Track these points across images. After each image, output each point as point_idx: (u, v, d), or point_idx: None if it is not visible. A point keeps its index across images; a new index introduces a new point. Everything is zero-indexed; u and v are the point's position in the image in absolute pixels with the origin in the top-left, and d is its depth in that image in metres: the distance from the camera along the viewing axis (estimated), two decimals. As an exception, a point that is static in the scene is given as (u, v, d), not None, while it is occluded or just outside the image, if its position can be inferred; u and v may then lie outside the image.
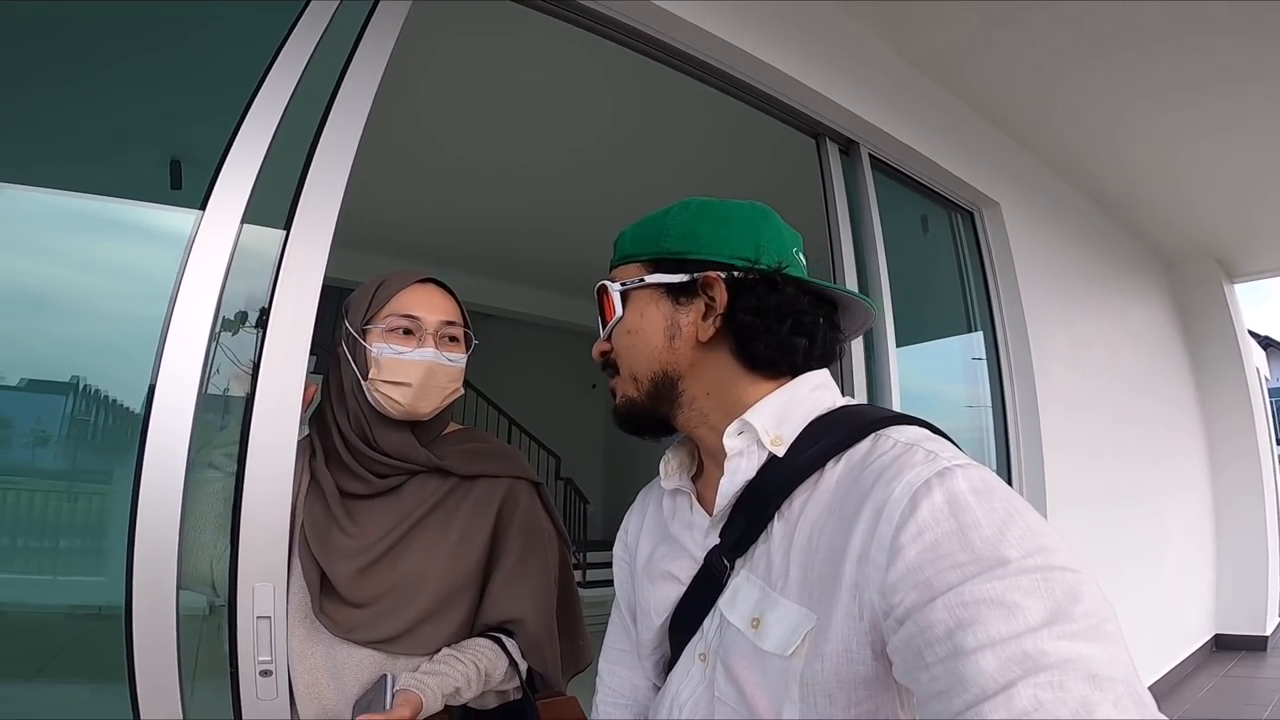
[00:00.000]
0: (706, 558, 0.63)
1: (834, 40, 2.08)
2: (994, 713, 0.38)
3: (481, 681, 0.97)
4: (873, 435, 0.57)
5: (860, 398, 1.93)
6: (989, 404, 2.67)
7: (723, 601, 0.61)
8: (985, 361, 2.70)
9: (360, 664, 0.97)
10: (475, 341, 1.09)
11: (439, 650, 0.98)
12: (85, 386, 1.10)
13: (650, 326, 0.65)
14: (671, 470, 0.71)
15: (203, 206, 1.10)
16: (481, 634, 1.03)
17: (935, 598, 0.44)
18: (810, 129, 2.11)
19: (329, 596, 0.98)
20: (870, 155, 2.19)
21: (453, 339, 1.05)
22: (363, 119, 1.26)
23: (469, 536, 1.04)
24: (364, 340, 1.00)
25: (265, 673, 1.01)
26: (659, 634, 0.69)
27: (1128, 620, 0.47)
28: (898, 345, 2.11)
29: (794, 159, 2.19)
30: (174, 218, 1.14)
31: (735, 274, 0.63)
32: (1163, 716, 0.39)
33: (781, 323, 0.62)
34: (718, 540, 0.63)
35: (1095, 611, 0.41)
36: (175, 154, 3.07)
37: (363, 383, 1.00)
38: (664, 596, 0.67)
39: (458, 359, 1.05)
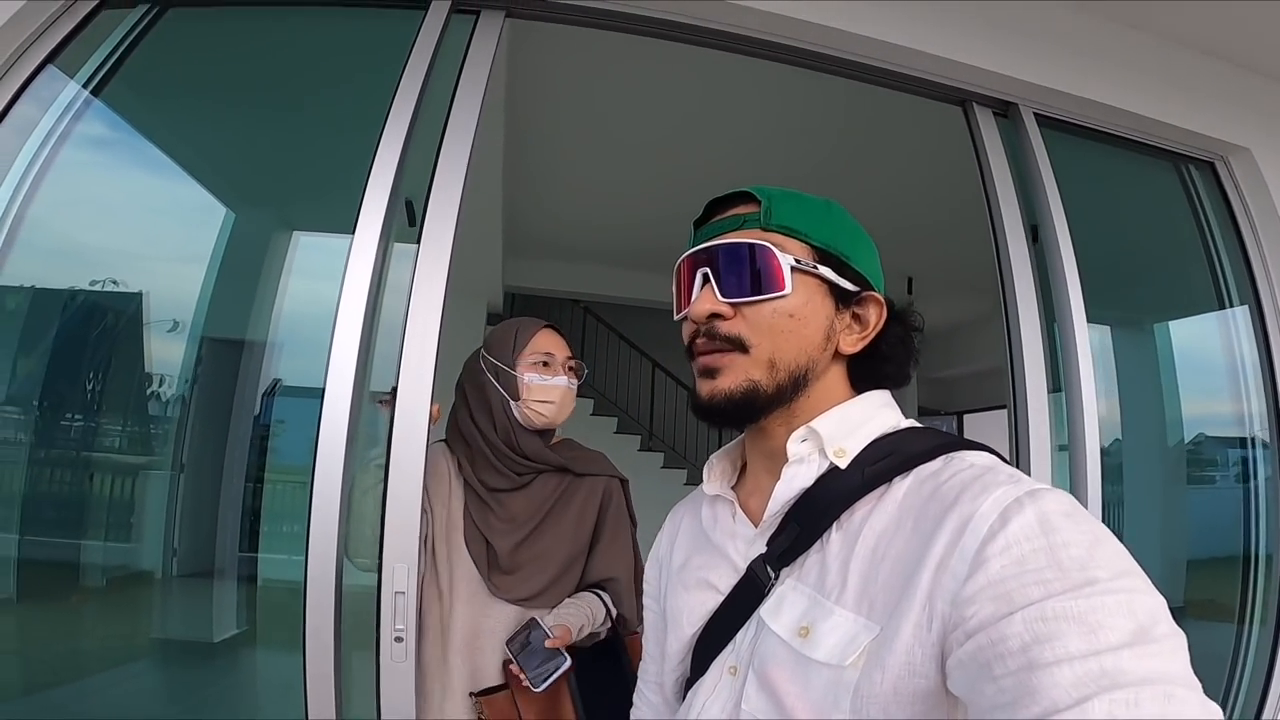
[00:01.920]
0: (749, 566, 0.63)
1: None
2: None
3: (592, 622, 1.32)
4: (945, 456, 0.58)
5: (1036, 393, 1.68)
6: (1255, 393, 2.12)
7: (765, 610, 0.60)
8: (1249, 340, 2.15)
9: (507, 617, 1.29)
10: (586, 371, 1.44)
11: (560, 602, 1.33)
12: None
13: (814, 318, 0.62)
14: (715, 477, 0.71)
15: (352, 230, 1.36)
16: (585, 589, 1.39)
17: (1014, 611, 0.44)
18: (955, 96, 1.92)
19: (493, 567, 1.30)
20: (1036, 115, 1.91)
21: (572, 369, 1.40)
22: (469, 140, 1.49)
23: (582, 520, 1.39)
24: (514, 370, 1.34)
25: (399, 639, 1.23)
26: (687, 646, 0.68)
27: None
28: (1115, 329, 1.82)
29: (937, 128, 2.01)
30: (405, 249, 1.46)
31: (889, 300, 0.66)
32: None
33: (908, 355, 0.67)
34: (764, 549, 0.62)
35: (1175, 634, 0.42)
36: (408, 195, 3.67)
37: (512, 403, 1.34)
38: (699, 605, 0.66)
39: (574, 384, 1.41)
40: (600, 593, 1.38)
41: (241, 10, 1.70)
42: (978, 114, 1.88)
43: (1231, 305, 2.15)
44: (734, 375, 0.61)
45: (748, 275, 0.61)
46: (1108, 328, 1.98)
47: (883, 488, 0.58)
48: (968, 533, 0.49)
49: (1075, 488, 1.66)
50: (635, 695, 0.80)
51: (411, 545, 1.26)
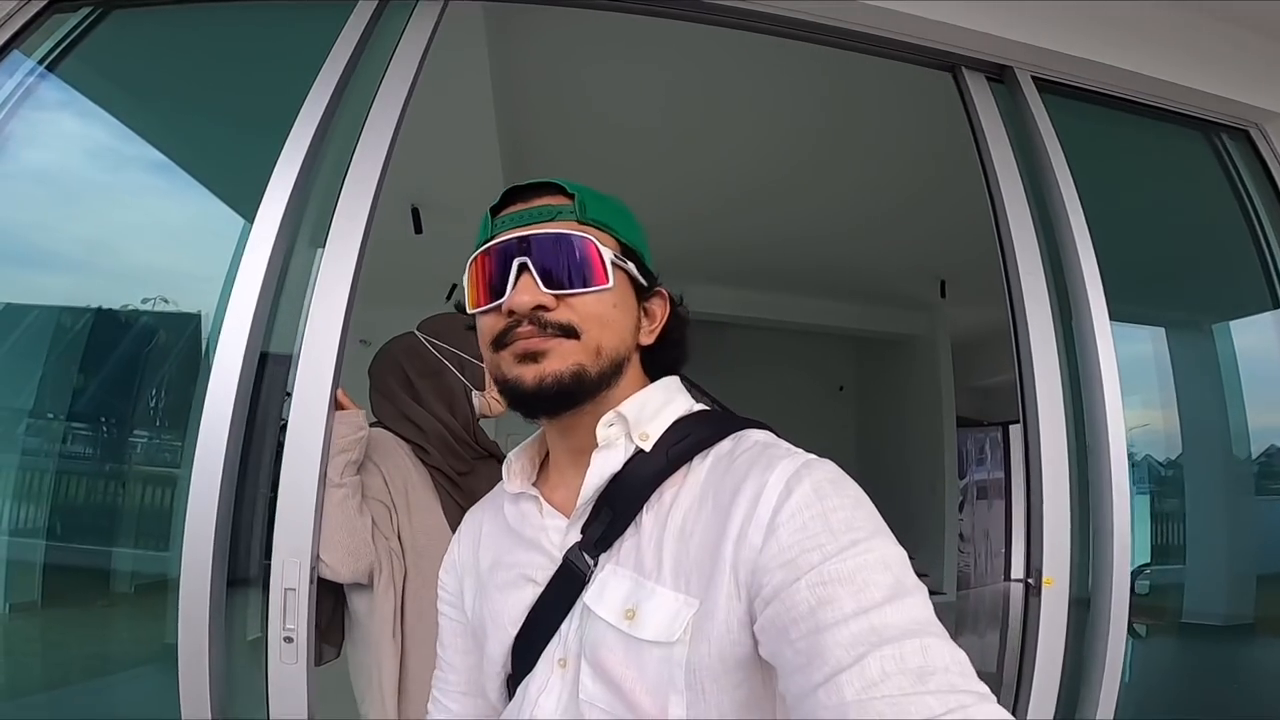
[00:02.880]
0: (565, 556, 0.63)
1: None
2: (849, 683, 0.43)
3: None
4: (734, 436, 0.63)
5: (1053, 394, 1.49)
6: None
7: (589, 597, 0.60)
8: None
9: None
10: None
11: None
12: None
13: (627, 309, 0.66)
14: (515, 474, 0.71)
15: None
16: None
17: (800, 577, 0.48)
18: (944, 61, 1.75)
19: None
20: (1035, 79, 1.72)
21: None
22: (389, 135, 1.38)
23: None
24: (482, 363, 1.26)
25: (288, 639, 1.13)
26: (509, 644, 0.66)
27: None
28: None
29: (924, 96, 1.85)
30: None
31: (672, 296, 0.71)
32: (982, 685, 0.43)
33: (685, 343, 0.72)
34: (578, 538, 0.63)
35: (919, 585, 0.49)
36: (414, 201, 3.64)
37: (474, 392, 1.39)
38: (518, 601, 0.66)
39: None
40: None
41: (185, 10, 1.68)
42: (969, 79, 1.72)
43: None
44: (562, 359, 0.60)
45: (572, 267, 0.61)
46: (1148, 326, 1.78)
47: (685, 468, 0.62)
48: (760, 504, 0.53)
49: (1096, 503, 1.46)
50: (430, 704, 0.78)
51: (305, 542, 1.16)
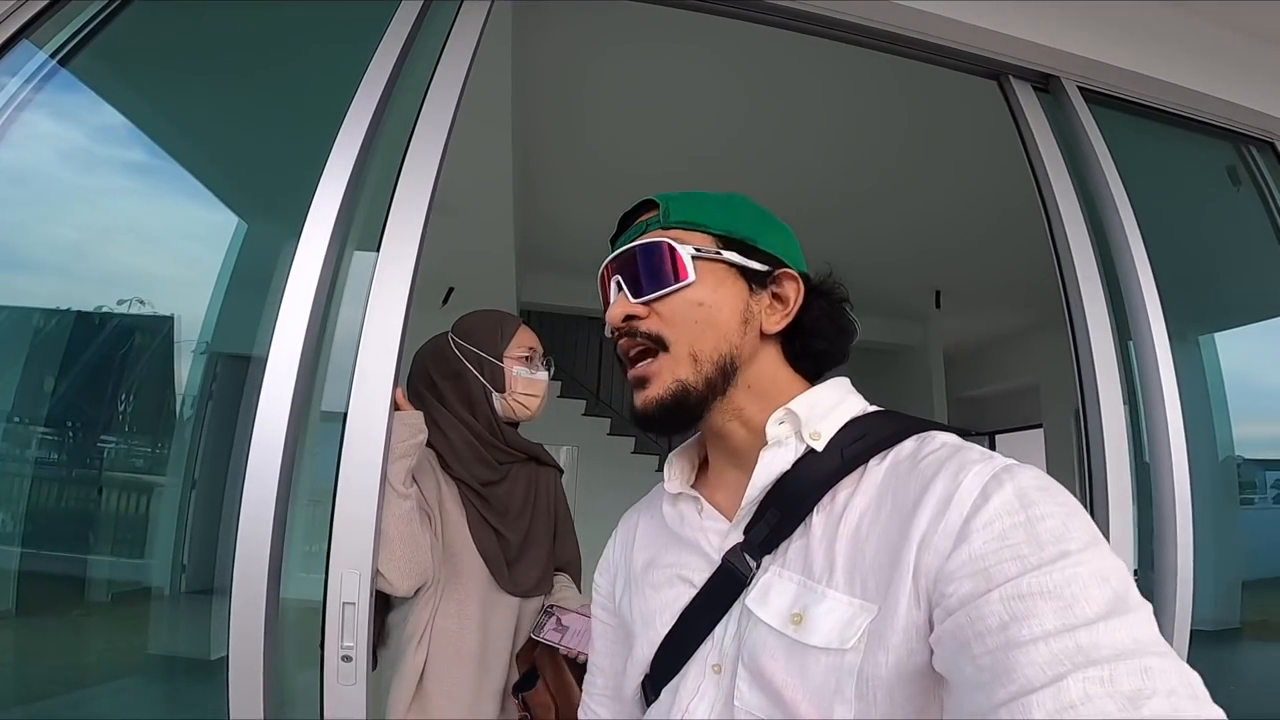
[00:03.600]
0: (725, 558, 0.61)
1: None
2: (1039, 704, 0.38)
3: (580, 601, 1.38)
4: (917, 436, 0.59)
5: (1114, 404, 1.46)
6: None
7: (751, 600, 0.57)
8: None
9: (511, 611, 1.29)
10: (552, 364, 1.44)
11: (551, 588, 1.40)
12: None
13: (726, 304, 0.63)
14: (675, 475, 0.70)
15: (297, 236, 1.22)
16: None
17: (992, 589, 0.44)
18: (990, 69, 1.75)
19: (505, 562, 1.28)
20: (1081, 89, 1.73)
21: (547, 361, 1.41)
22: (443, 137, 1.32)
23: (551, 506, 1.43)
24: (500, 362, 1.32)
25: (346, 658, 1.06)
26: (657, 647, 0.64)
27: None
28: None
29: (969, 138, 1.84)
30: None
31: (807, 277, 0.67)
32: (1217, 709, 0.37)
33: (838, 329, 0.67)
34: (740, 538, 0.61)
35: (1144, 602, 0.42)
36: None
37: (495, 394, 1.32)
38: (673, 601, 0.64)
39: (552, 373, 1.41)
40: (564, 574, 1.47)
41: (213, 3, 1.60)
42: (1015, 87, 1.71)
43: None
44: (661, 381, 0.61)
45: (653, 272, 0.62)
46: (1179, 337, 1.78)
47: (861, 469, 0.58)
48: (951, 508, 0.49)
49: (1159, 512, 1.44)
50: (581, 710, 0.77)
51: (364, 553, 1.09)
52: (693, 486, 0.69)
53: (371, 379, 1.15)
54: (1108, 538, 1.35)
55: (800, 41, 1.76)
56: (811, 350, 0.67)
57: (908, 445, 0.58)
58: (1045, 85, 1.75)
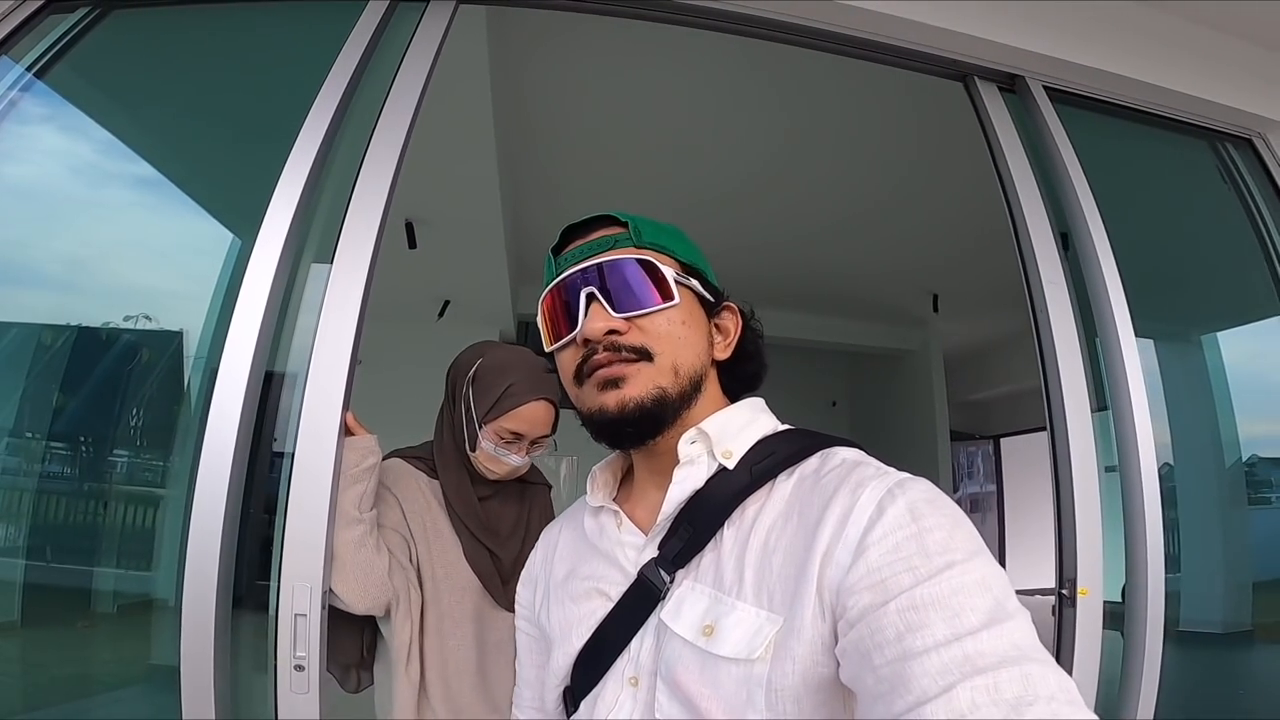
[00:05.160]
0: (640, 572, 0.62)
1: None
2: (934, 714, 0.40)
3: None
4: (821, 452, 0.61)
5: (1080, 404, 1.45)
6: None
7: (665, 613, 0.59)
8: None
9: (507, 625, 1.16)
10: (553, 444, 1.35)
11: None
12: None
13: (697, 325, 0.66)
14: (598, 488, 0.72)
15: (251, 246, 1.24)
16: None
17: (889, 600, 0.46)
18: (956, 70, 1.75)
19: (499, 576, 1.26)
20: (1046, 89, 1.72)
21: (536, 443, 1.29)
22: (399, 144, 1.34)
23: (541, 523, 1.33)
24: (478, 428, 1.24)
25: (299, 667, 1.07)
26: (575, 656, 0.66)
27: None
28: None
29: (965, 139, 1.84)
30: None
31: (742, 310, 0.72)
32: (1092, 714, 0.40)
33: (762, 356, 0.72)
34: (655, 553, 0.62)
35: (1021, 609, 0.45)
36: (408, 216, 3.56)
37: (466, 447, 1.27)
38: (589, 614, 0.65)
39: (536, 455, 1.32)
40: None
41: (189, 11, 1.63)
42: (981, 89, 1.71)
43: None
44: (642, 383, 0.61)
45: (638, 288, 0.62)
46: (1152, 338, 1.76)
47: (769, 485, 0.61)
48: (849, 523, 0.51)
49: (1129, 514, 1.43)
50: (514, 713, 0.79)
51: (315, 567, 1.10)
52: (614, 500, 0.71)
53: (322, 393, 1.16)
54: (1075, 544, 1.35)
55: (798, 54, 1.77)
56: (745, 375, 0.70)
57: (812, 461, 0.61)
58: (1011, 86, 1.75)
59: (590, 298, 0.63)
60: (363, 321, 1.22)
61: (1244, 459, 1.85)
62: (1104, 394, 1.50)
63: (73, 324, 1.48)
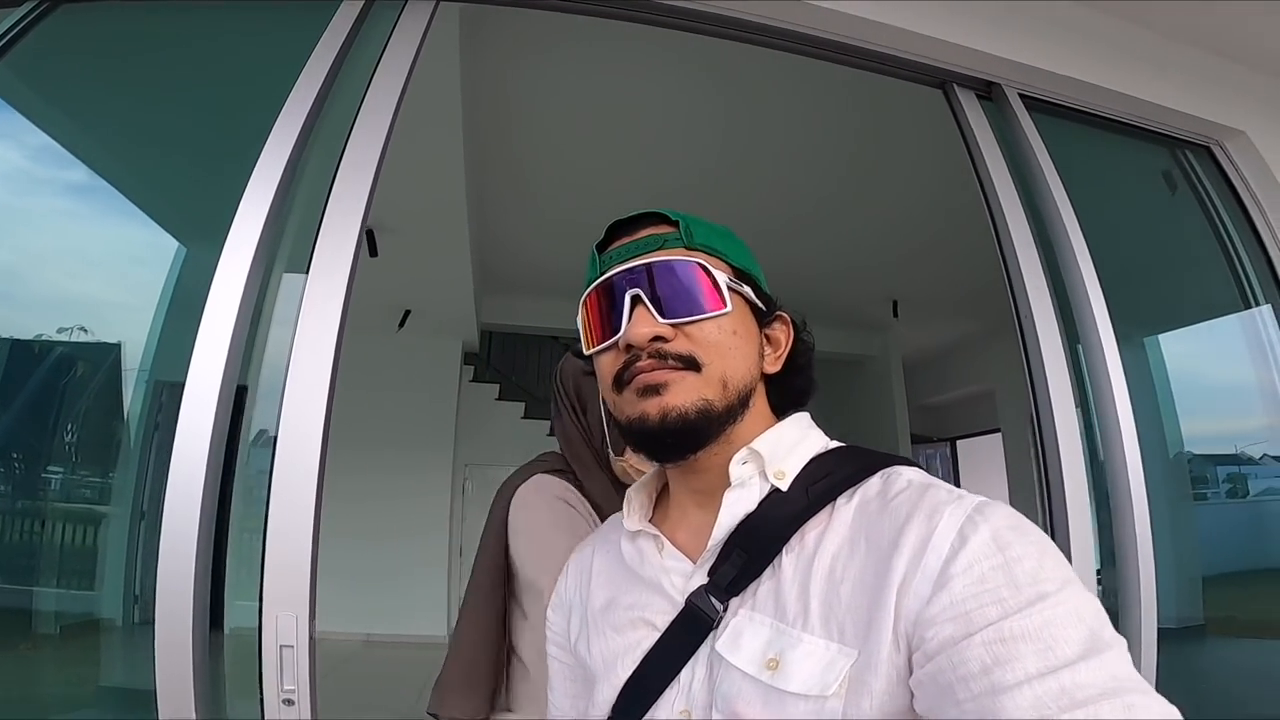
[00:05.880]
0: (689, 600, 0.58)
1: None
2: None
3: None
4: (882, 473, 0.58)
5: (1066, 406, 1.47)
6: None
7: (721, 644, 0.55)
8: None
9: None
10: None
11: None
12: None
13: (749, 335, 0.62)
14: (634, 511, 0.67)
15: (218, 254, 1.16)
16: None
17: (974, 633, 0.44)
18: (935, 77, 1.77)
19: None
20: (1021, 96, 1.76)
21: None
22: (379, 147, 1.28)
23: None
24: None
25: (288, 701, 0.99)
26: (619, 691, 0.61)
27: None
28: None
29: (930, 148, 1.86)
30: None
31: (794, 319, 0.67)
32: None
33: (812, 371, 0.67)
34: (705, 580, 0.58)
35: (1118, 638, 0.43)
36: (371, 222, 3.47)
37: (611, 451, 1.14)
38: (635, 645, 0.61)
39: None
40: None
41: (144, 6, 1.53)
42: (960, 96, 1.73)
43: (1257, 304, 1.96)
44: (686, 392, 0.57)
45: (688, 294, 0.59)
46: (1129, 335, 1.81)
47: (829, 508, 0.57)
48: (929, 552, 0.49)
49: (1116, 511, 1.44)
50: None
51: (300, 594, 1.02)
52: (650, 521, 0.67)
53: (301, 407, 1.09)
54: (1068, 540, 1.36)
55: (755, 54, 1.77)
56: (794, 389, 0.66)
57: (874, 483, 0.57)
58: (988, 93, 1.78)
59: (635, 300, 0.59)
60: (343, 334, 1.15)
61: (1184, 453, 1.91)
62: (1085, 393, 1.53)
63: (5, 336, 1.39)
